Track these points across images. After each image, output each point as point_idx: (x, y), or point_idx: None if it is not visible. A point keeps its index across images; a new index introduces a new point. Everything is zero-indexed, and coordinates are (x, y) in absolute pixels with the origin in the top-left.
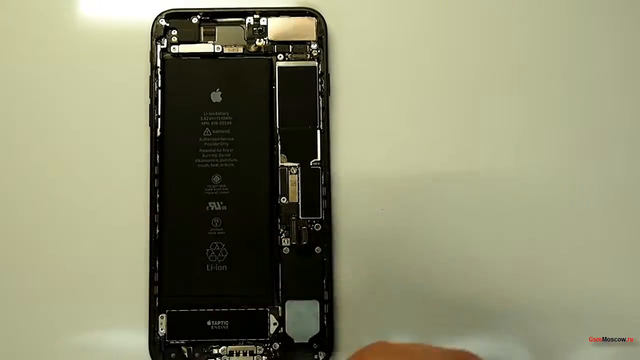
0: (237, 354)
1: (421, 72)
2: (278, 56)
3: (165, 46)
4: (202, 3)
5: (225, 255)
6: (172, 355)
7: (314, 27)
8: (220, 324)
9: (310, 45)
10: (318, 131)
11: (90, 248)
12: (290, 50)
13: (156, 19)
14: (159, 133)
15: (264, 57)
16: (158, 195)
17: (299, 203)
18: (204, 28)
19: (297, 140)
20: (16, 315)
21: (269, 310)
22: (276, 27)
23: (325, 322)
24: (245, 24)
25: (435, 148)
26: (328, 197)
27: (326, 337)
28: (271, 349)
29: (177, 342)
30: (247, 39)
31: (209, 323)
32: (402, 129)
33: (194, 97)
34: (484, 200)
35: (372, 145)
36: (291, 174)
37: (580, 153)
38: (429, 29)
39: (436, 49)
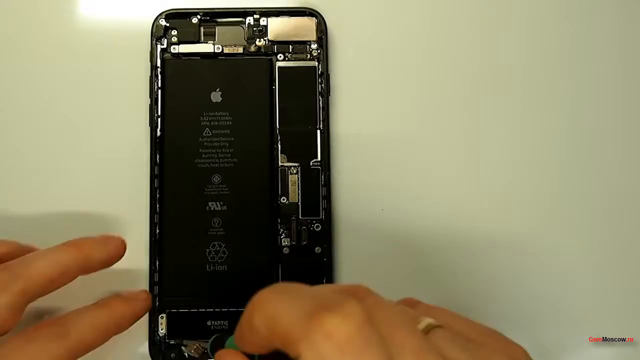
0: None
1: (421, 72)
2: (278, 56)
3: (165, 46)
4: (202, 3)
5: (225, 255)
6: (172, 355)
7: (314, 27)
8: (220, 324)
9: (310, 45)
10: (318, 131)
11: None
12: (290, 50)
13: (156, 19)
14: (159, 133)
15: (264, 57)
16: (158, 195)
17: (299, 203)
18: (204, 28)
19: (297, 140)
20: None
21: None
22: (276, 27)
23: None
24: (245, 24)
25: (435, 148)
26: (328, 197)
27: None
28: None
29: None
30: (247, 39)
31: (209, 323)
32: (402, 129)
33: (194, 97)
34: (484, 200)
35: (372, 146)
36: (291, 174)
37: (581, 153)
38: (429, 29)
39: (436, 49)
